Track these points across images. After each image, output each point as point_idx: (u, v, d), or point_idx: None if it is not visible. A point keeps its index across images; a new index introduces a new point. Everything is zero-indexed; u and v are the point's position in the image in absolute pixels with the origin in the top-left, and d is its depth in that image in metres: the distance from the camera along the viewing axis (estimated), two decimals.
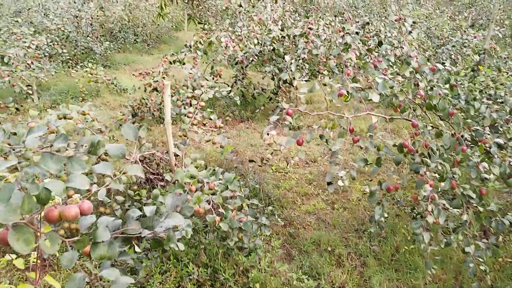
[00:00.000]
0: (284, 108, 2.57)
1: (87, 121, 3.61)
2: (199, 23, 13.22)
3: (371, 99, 2.91)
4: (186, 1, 13.54)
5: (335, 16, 11.12)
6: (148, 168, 3.67)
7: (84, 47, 9.99)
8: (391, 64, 3.48)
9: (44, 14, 10.30)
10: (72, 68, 8.53)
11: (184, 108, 4.41)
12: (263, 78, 6.80)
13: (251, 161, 4.57)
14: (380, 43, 3.54)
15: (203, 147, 5.14)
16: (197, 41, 6.49)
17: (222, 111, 6.77)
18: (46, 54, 7.38)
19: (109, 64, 10.34)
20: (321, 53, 4.91)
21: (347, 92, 2.79)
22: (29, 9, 10.73)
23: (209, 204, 2.72)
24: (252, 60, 6.39)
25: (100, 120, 3.74)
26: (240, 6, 7.60)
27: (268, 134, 2.57)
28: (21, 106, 6.02)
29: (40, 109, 6.90)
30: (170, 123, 3.61)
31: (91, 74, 7.60)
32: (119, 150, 1.29)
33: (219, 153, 4.22)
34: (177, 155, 3.83)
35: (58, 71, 8.56)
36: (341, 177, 2.64)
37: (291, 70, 2.76)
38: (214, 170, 2.97)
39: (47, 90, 7.72)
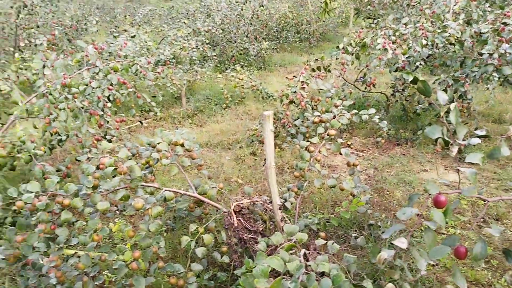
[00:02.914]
0: (430, 193, 1.33)
1: (177, 155, 2.87)
2: (367, 18, 11.80)
3: None
4: None
5: None
6: (245, 222, 2.75)
7: (242, 48, 9.66)
8: None
9: (207, 15, 10.30)
10: (222, 72, 8.20)
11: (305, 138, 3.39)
12: None
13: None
14: None
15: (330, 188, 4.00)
16: (349, 43, 5.34)
17: (374, 129, 5.47)
18: (195, 57, 7.12)
19: (265, 66, 9.82)
20: None
21: None
22: (195, 10, 10.91)
23: None
24: (417, 66, 4.93)
25: (195, 151, 2.96)
26: None
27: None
28: (145, 119, 5.80)
29: (182, 116, 6.65)
30: (274, 166, 2.62)
31: (239, 78, 7.11)
32: None
33: (347, 205, 3.06)
34: (286, 208, 2.84)
35: (210, 74, 8.33)
36: None
37: (447, 120, 1.49)
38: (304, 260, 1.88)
39: (195, 95, 7.50)
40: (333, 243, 2.36)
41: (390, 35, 5.07)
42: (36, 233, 2.55)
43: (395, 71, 5.18)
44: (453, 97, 4.72)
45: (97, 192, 2.52)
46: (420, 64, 4.90)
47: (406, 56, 4.86)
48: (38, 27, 7.84)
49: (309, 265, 2.01)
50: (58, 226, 2.57)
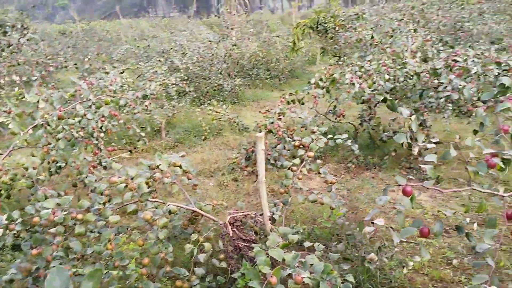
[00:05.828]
0: (400, 185, 1.76)
1: (176, 174, 3.22)
2: (333, 56, 12.63)
3: None
4: (320, 34, 13.10)
5: (492, 43, 9.46)
6: (238, 233, 3.10)
7: (217, 84, 10.16)
8: None
9: (182, 54, 10.81)
10: (198, 107, 8.61)
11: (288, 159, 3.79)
12: (393, 120, 5.84)
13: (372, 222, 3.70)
14: None
15: (309, 207, 4.42)
16: (319, 78, 5.88)
17: (344, 156, 5.96)
18: (174, 93, 7.55)
19: (238, 101, 10.33)
20: (469, 92, 3.89)
21: (504, 160, 1.85)
22: (171, 49, 11.41)
23: None
24: (384, 98, 5.50)
25: (191, 173, 3.32)
26: (372, 37, 6.80)
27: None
28: (135, 148, 6.13)
29: (164, 147, 6.98)
30: (264, 181, 3.01)
31: (216, 112, 7.55)
32: None
33: (328, 217, 3.48)
34: (274, 220, 3.21)
35: (188, 109, 8.74)
36: None
37: (410, 131, 1.94)
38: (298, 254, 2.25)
39: (174, 128, 7.86)
40: (318, 245, 2.75)
41: (356, 71, 5.65)
42: (51, 247, 2.81)
43: (362, 103, 5.75)
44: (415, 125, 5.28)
45: (108, 207, 2.82)
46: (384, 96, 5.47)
47: (371, 89, 5.42)
48: (19, 64, 8.07)
49: (301, 260, 2.37)
50: (71, 239, 2.84)
